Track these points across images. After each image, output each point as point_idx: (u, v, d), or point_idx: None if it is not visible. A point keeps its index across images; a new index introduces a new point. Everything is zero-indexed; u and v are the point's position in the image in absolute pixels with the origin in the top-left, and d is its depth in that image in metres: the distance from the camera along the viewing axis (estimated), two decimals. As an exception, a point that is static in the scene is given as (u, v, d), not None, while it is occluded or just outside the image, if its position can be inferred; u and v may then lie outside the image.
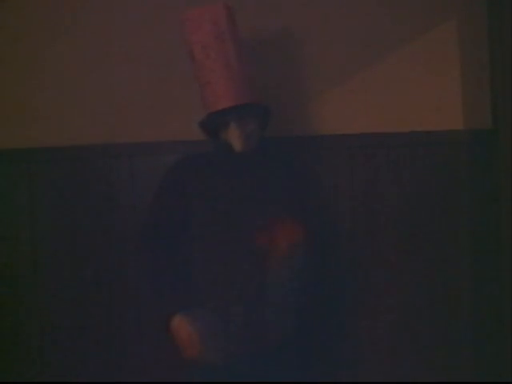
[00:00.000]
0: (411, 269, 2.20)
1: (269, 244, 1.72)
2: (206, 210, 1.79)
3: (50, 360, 2.29)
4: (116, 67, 2.27)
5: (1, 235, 2.28)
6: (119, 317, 2.26)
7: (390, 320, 2.20)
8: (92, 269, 2.27)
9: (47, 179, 2.28)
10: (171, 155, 2.14)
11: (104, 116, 2.28)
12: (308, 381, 1.96)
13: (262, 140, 1.87)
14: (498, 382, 2.06)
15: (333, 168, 2.20)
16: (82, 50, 2.29)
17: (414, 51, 2.19)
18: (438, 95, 2.18)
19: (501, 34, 1.93)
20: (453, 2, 2.17)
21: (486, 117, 1.99)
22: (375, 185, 2.20)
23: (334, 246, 2.12)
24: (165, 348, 2.17)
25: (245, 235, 1.74)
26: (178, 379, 2.18)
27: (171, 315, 1.74)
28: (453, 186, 2.17)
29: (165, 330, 1.75)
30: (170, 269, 1.81)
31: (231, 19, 1.82)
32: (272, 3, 2.21)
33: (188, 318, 1.72)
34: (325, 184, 2.17)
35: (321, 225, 1.95)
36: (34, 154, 2.28)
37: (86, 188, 2.27)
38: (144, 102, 2.27)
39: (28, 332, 2.29)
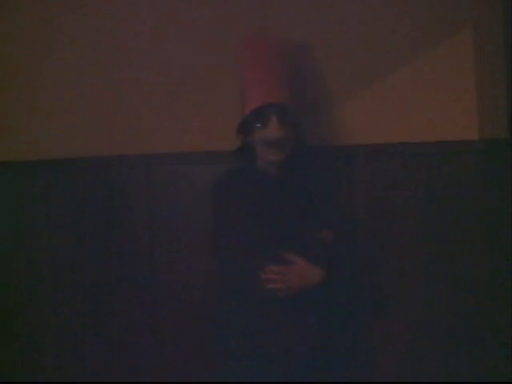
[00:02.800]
0: (427, 276, 2.23)
1: None
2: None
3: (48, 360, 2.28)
4: (134, 77, 2.24)
5: (18, 246, 2.27)
6: (134, 322, 2.26)
7: (392, 322, 2.23)
8: (109, 278, 2.26)
9: (64, 190, 2.26)
10: (188, 166, 2.18)
11: (121, 126, 2.25)
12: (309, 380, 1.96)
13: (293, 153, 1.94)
14: (498, 382, 2.10)
15: (348, 178, 2.21)
16: (100, 61, 2.26)
17: (429, 61, 2.20)
18: (453, 105, 2.19)
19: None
20: (468, 11, 2.18)
21: (503, 127, 2.00)
22: (390, 195, 2.21)
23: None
24: (170, 350, 2.24)
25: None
26: (180, 379, 2.21)
27: None
28: (469, 196, 2.19)
29: None
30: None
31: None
32: (286, 13, 2.20)
33: None
34: (341, 193, 2.18)
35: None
36: (50, 165, 2.25)
37: (103, 199, 2.25)
38: (161, 112, 2.25)
39: (44, 339, 2.28)
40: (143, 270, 2.24)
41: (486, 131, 2.16)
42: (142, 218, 2.24)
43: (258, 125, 1.88)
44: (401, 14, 2.20)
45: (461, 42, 2.19)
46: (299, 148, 1.96)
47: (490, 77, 2.11)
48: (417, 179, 2.20)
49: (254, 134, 1.91)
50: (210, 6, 2.22)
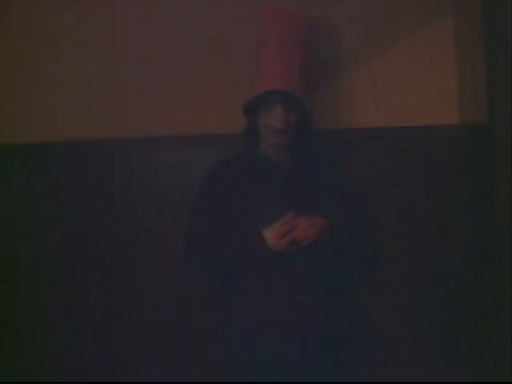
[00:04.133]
0: (409, 264, 2.20)
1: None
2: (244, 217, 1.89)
3: (48, 360, 2.29)
4: (115, 62, 2.27)
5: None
6: (118, 315, 2.27)
7: (388, 318, 2.20)
8: (90, 266, 2.27)
9: (44, 175, 2.28)
10: (170, 151, 2.21)
11: (102, 111, 2.28)
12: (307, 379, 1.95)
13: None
14: (498, 382, 2.06)
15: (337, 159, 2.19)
16: (81, 46, 2.28)
17: (411, 47, 2.20)
18: (434, 90, 2.20)
19: (497, 29, 1.94)
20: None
21: (483, 112, 1.99)
22: (372, 180, 2.20)
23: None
24: (164, 348, 2.25)
25: None
26: (179, 379, 2.22)
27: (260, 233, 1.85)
28: (450, 180, 2.18)
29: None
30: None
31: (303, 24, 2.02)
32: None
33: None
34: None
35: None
36: (30, 149, 2.28)
37: (84, 184, 2.27)
38: (143, 97, 2.27)
39: (23, 329, 2.29)
40: (125, 257, 2.26)
41: (466, 116, 2.15)
42: (124, 204, 2.25)
43: (263, 110, 1.89)
44: (383, 2, 2.21)
45: (442, 28, 2.20)
46: (305, 134, 1.96)
47: (470, 63, 2.11)
48: (398, 164, 2.19)
49: (259, 117, 1.91)
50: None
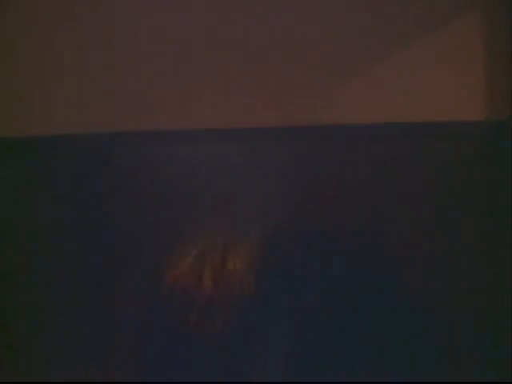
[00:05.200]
0: (418, 265, 2.18)
1: None
2: None
3: (49, 360, 2.29)
4: (119, 54, 2.27)
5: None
6: (118, 315, 2.26)
7: (388, 318, 2.18)
8: (93, 264, 2.26)
9: (47, 169, 2.26)
10: (171, 146, 2.19)
11: (107, 104, 2.27)
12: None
13: None
14: (498, 381, 2.06)
15: (349, 158, 2.17)
16: (83, 38, 2.28)
17: (437, 40, 2.19)
18: (459, 85, 2.19)
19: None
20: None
21: (508, 107, 2.00)
22: (392, 176, 2.17)
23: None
24: (164, 348, 2.23)
25: None
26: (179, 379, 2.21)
27: None
28: (472, 177, 2.15)
29: None
30: None
31: None
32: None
33: None
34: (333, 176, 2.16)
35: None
36: (32, 143, 2.26)
37: (89, 178, 2.25)
38: (147, 89, 2.26)
39: (24, 331, 2.29)
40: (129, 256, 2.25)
41: (492, 112, 2.15)
42: (129, 199, 2.23)
43: None
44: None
45: (469, 21, 2.18)
46: None
47: (496, 57, 2.12)
48: (419, 160, 2.16)
49: None
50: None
